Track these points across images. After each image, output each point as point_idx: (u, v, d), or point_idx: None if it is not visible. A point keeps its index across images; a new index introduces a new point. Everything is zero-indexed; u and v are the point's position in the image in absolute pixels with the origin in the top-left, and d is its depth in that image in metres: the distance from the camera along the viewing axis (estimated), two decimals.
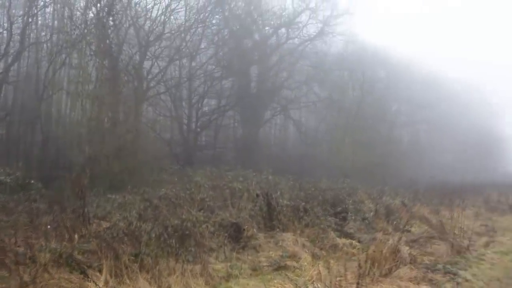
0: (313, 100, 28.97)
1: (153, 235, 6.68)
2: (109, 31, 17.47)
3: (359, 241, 9.57)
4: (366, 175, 22.77)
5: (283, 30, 28.35)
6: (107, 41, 17.19)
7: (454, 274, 7.27)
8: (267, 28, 28.52)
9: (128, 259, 6.09)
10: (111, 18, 17.27)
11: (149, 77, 21.28)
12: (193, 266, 6.54)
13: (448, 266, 7.69)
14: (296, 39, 28.66)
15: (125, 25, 19.17)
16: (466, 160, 46.13)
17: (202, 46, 25.22)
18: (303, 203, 10.60)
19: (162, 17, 20.94)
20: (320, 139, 29.43)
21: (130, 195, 9.56)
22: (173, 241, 6.81)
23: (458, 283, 6.88)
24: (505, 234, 12.05)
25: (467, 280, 7.09)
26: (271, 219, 9.64)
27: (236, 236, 8.47)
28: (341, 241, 9.29)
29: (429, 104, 44.45)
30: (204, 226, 7.83)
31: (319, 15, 28.32)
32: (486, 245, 10.21)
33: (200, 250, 7.09)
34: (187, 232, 7.27)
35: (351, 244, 9.28)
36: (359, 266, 5.53)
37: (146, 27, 20.70)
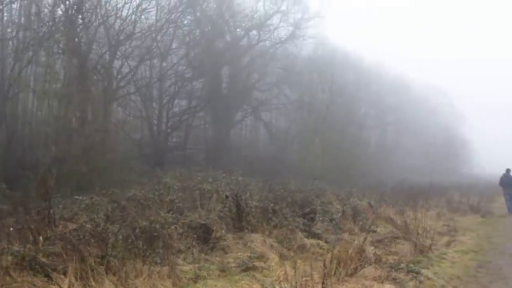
0: (284, 102, 29.26)
1: (120, 237, 6.61)
2: (78, 29, 17.21)
3: (326, 242, 9.69)
4: (335, 177, 23.11)
5: (254, 32, 28.53)
6: (76, 40, 16.92)
7: (417, 273, 7.40)
8: (238, 29, 28.64)
9: (94, 262, 5.99)
10: (80, 16, 17.01)
11: (119, 76, 21.06)
12: (160, 267, 6.49)
13: (411, 265, 7.84)
14: (268, 41, 28.92)
15: (94, 24, 18.89)
16: (432, 162, 47.40)
17: (173, 46, 25.11)
18: (272, 204, 10.64)
19: (133, 16, 20.79)
20: (290, 141, 29.71)
21: (97, 196, 9.39)
22: (141, 243, 6.76)
23: (420, 282, 7.02)
24: (465, 233, 12.44)
25: (428, 279, 7.24)
26: (240, 220, 9.67)
27: (205, 237, 8.47)
28: (308, 241, 9.37)
29: (398, 107, 45.50)
30: (172, 227, 7.79)
31: (290, 18, 28.68)
32: (448, 244, 10.48)
33: (168, 252, 7.05)
34: (155, 234, 7.23)
35: (318, 244, 9.40)
36: (324, 266, 5.62)
37: (116, 26, 20.47)
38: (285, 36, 28.84)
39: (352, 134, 31.80)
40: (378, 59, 47.23)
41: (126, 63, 21.72)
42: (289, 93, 29.88)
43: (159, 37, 23.03)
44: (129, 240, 6.71)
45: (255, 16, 28.08)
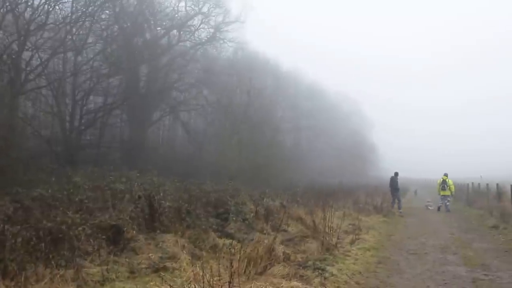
0: (202, 103, 29.29)
1: (20, 239, 6.29)
2: None
3: (239, 241, 9.85)
4: (251, 177, 23.55)
5: (175, 32, 28.33)
6: None
7: (322, 270, 7.74)
8: (158, 28, 28.29)
9: None
10: None
11: (28, 69, 19.79)
12: (65, 271, 6.25)
13: (318, 263, 8.18)
14: (188, 42, 28.83)
15: (1, 10, 17.70)
16: (342, 165, 49.78)
17: (90, 40, 24.08)
18: (186, 205, 10.67)
19: (46, 6, 19.65)
20: (207, 142, 29.82)
21: None
22: (43, 245, 6.47)
23: (325, 278, 7.37)
24: (369, 232, 13.24)
25: (333, 275, 7.61)
26: (152, 221, 9.57)
27: (115, 238, 8.28)
28: (221, 241, 9.48)
29: (312, 112, 47.26)
30: (80, 228, 7.54)
31: (211, 20, 28.87)
32: (352, 242, 11.02)
33: (74, 254, 6.84)
34: (60, 235, 6.98)
35: (231, 244, 9.54)
36: (231, 265, 5.77)
37: (27, 15, 19.25)
38: (206, 38, 28.96)
39: (268, 137, 32.49)
40: (295, 65, 48.99)
41: (37, 55, 20.51)
42: (208, 94, 29.99)
43: (74, 30, 22.02)
44: (31, 243, 6.40)
45: (176, 16, 27.90)
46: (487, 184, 22.97)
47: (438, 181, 22.95)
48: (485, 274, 8.05)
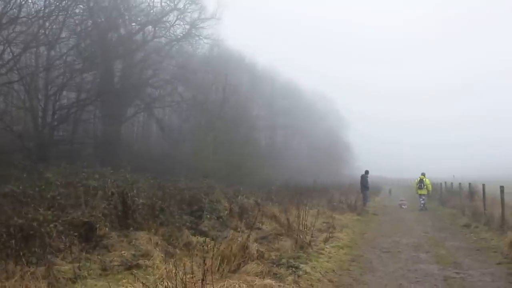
0: (177, 99, 29.08)
1: None
2: None
3: (212, 239, 9.83)
4: (226, 175, 23.54)
5: (150, 27, 28.00)
6: None
7: (296, 268, 7.79)
8: (133, 24, 27.95)
9: None
10: None
11: (0, 63, 19.34)
12: (36, 268, 6.15)
13: (291, 261, 8.23)
14: (163, 38, 28.56)
15: None
16: (317, 163, 50.17)
17: (63, 35, 23.62)
18: (159, 202, 10.60)
19: None
20: (182, 139, 29.65)
21: None
22: (14, 242, 6.35)
23: (298, 276, 7.42)
24: (342, 230, 13.40)
25: (306, 273, 7.68)
26: (126, 218, 9.47)
27: (87, 235, 8.17)
28: (195, 239, 9.46)
29: (288, 110, 47.48)
30: (52, 225, 7.42)
31: (187, 17, 28.62)
32: (326, 240, 11.13)
33: (45, 251, 6.73)
34: (31, 232, 6.85)
35: (204, 241, 9.53)
36: (204, 263, 5.76)
37: None
38: (181, 34, 28.72)
39: (243, 134, 32.50)
40: (272, 63, 49.16)
41: (8, 49, 20.02)
42: (183, 91, 29.78)
43: (47, 24, 21.56)
44: (1, 240, 6.27)
45: (152, 11, 27.62)
46: (460, 184, 23.49)
47: (416, 180, 23.42)
48: (456, 272, 8.23)
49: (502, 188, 13.72)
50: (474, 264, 8.98)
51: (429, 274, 8.13)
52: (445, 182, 27.87)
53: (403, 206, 24.33)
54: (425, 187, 22.59)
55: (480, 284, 7.42)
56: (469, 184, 20.63)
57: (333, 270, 8.40)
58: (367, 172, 23.22)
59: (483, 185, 17.20)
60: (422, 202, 22.43)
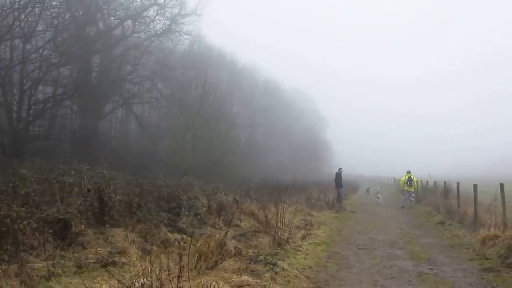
0: (156, 96, 28.88)
1: None
2: None
3: (190, 236, 9.78)
4: (205, 172, 23.47)
5: (129, 22, 27.76)
6: None
7: (274, 264, 7.80)
8: (112, 18, 27.63)
9: None
10: None
11: None
12: (8, 266, 6.03)
13: (269, 257, 8.25)
14: (143, 34, 28.34)
15: None
16: (296, 161, 50.42)
17: (39, 28, 23.23)
18: (137, 199, 10.51)
19: None
20: (161, 136, 29.46)
21: None
22: None
23: (276, 273, 7.44)
24: (320, 227, 13.48)
25: (284, 269, 7.72)
26: (102, 215, 9.34)
27: (62, 232, 8.05)
28: (173, 236, 9.41)
29: (267, 108, 47.56)
30: (25, 222, 7.28)
31: (167, 12, 28.44)
32: (303, 237, 11.18)
33: (18, 249, 6.60)
34: (4, 229, 6.72)
35: (182, 238, 9.47)
36: (180, 259, 5.73)
37: None
38: (161, 30, 28.51)
39: (223, 132, 32.44)
40: (252, 61, 49.15)
41: None
42: (162, 88, 29.61)
43: (22, 16, 21.15)
44: None
45: (131, 6, 27.38)
46: (435, 182, 23.87)
47: (403, 178, 23.85)
48: (430, 268, 8.38)
49: (475, 186, 14.03)
50: (447, 260, 9.14)
51: (404, 270, 8.25)
52: (421, 180, 28.28)
53: (378, 200, 24.83)
54: (413, 184, 23.17)
55: (453, 280, 7.55)
56: (444, 182, 20.97)
57: (310, 267, 8.46)
58: (340, 169, 23.57)
59: (458, 183, 17.54)
60: (412, 199, 22.90)
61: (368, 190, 39.65)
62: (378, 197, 25.40)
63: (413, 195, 23.26)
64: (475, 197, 13.76)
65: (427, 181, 26.92)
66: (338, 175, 23.34)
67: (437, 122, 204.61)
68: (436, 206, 19.27)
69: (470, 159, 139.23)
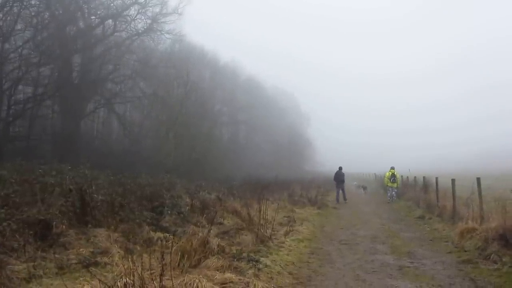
0: (138, 95, 28.72)
1: None
2: None
3: (173, 235, 9.78)
4: (188, 170, 23.46)
5: (110, 21, 27.51)
6: None
7: (257, 261, 7.84)
8: (93, 17, 27.39)
9: None
10: None
11: None
12: None
13: (252, 254, 8.29)
14: (124, 33, 28.14)
15: None
16: (279, 159, 50.66)
17: (18, 27, 22.92)
18: (119, 198, 10.47)
19: None
20: (144, 135, 29.30)
21: None
22: None
23: (259, 269, 7.48)
24: (303, 224, 13.57)
25: (267, 266, 7.76)
26: (84, 215, 9.30)
27: (43, 233, 7.99)
28: (156, 235, 9.37)
29: (250, 106, 47.62)
30: (5, 224, 7.23)
31: (148, 11, 28.30)
32: (286, 234, 11.21)
33: None
34: None
35: (165, 237, 9.49)
36: (162, 258, 5.75)
37: None
38: (142, 29, 28.36)
39: (205, 130, 32.40)
40: (234, 59, 49.21)
41: None
42: (144, 87, 29.45)
43: (0, 15, 20.87)
44: None
45: (112, 5, 27.14)
46: (415, 177, 24.21)
47: (387, 174, 24.16)
48: (410, 262, 8.55)
49: (453, 181, 14.30)
50: (427, 254, 9.33)
51: (385, 264, 8.40)
52: (402, 176, 28.64)
53: (360, 190, 25.27)
54: (396, 180, 23.52)
55: (432, 272, 7.71)
56: (423, 177, 21.28)
57: (293, 263, 8.53)
58: (340, 168, 23.82)
59: (436, 178, 17.83)
60: (394, 194, 23.22)
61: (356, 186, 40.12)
62: (362, 190, 25.79)
63: (395, 190, 23.62)
64: (454, 191, 14.01)
65: (407, 177, 27.28)
66: (339, 173, 23.53)
67: (420, 116, 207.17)
68: (416, 201, 19.55)
69: (448, 152, 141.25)
